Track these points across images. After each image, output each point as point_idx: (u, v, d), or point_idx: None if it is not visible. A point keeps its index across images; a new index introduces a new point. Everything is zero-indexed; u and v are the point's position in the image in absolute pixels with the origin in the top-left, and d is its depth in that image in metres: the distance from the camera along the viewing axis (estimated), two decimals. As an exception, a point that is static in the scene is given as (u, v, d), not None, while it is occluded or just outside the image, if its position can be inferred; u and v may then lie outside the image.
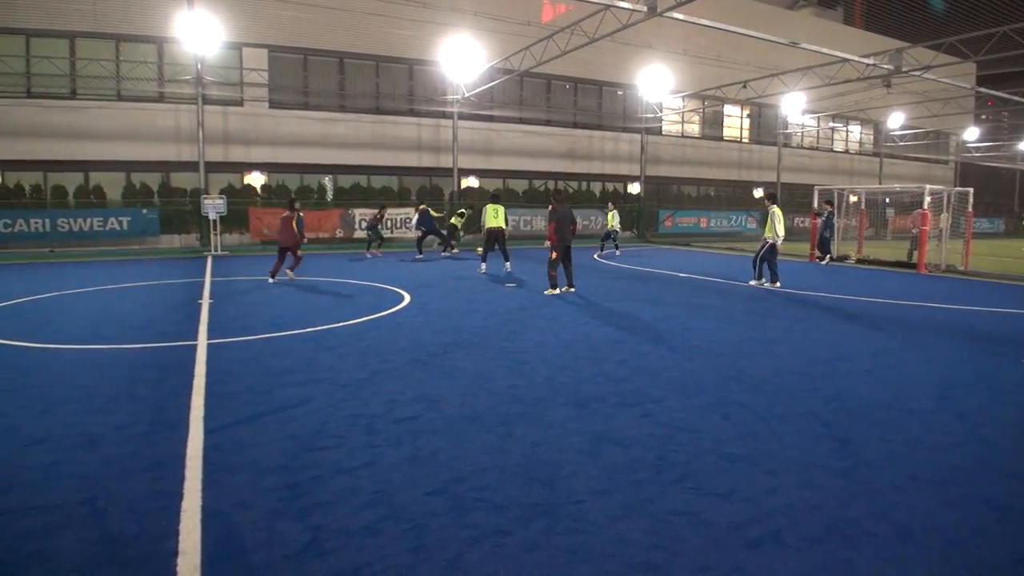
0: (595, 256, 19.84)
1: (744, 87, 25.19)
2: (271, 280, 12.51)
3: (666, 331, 8.24)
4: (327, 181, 25.14)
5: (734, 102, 31.73)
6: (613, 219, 21.09)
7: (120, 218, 20.65)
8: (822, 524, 3.31)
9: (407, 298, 10.68)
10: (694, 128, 33.05)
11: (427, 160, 26.34)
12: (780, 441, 4.45)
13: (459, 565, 2.88)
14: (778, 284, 12.81)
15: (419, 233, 19.33)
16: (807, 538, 3.17)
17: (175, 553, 2.93)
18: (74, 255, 18.83)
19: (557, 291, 11.31)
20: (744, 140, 34.63)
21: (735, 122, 34.36)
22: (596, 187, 30.48)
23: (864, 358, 6.93)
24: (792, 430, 4.67)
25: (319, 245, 21.28)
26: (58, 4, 20.77)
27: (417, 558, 2.92)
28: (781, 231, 12.79)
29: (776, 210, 12.94)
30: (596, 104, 29.98)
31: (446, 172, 26.05)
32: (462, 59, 22.40)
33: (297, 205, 13.20)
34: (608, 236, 21.09)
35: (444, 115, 25.71)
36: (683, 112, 31.55)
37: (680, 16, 16.68)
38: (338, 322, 8.53)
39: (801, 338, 7.95)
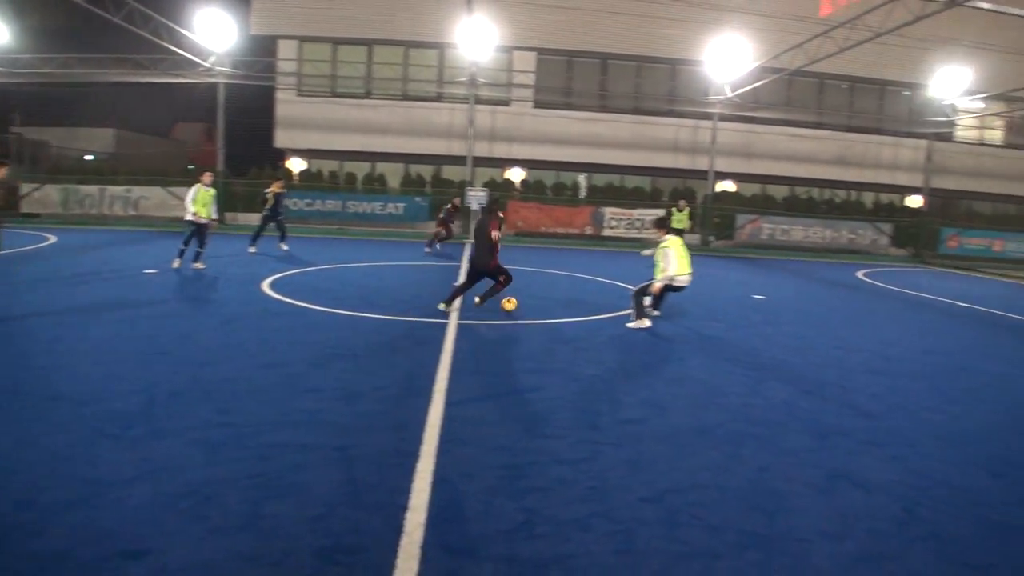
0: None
1: (1072, 87, 20.94)
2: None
3: (934, 367, 7.22)
4: (582, 179, 25.84)
5: (1056, 105, 26.54)
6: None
7: (397, 204, 23.25)
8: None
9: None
10: (996, 135, 28.36)
11: (683, 161, 25.85)
12: (1074, 516, 3.67)
13: (664, 576, 2.81)
14: None
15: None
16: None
17: (405, 507, 3.25)
18: (358, 233, 21.55)
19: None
20: (1066, 150, 28.92)
21: (1055, 128, 28.81)
22: (868, 197, 27.57)
23: None
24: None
25: (569, 240, 22.10)
26: (357, 15, 23.91)
27: (621, 561, 2.91)
28: None
29: None
30: (876, 106, 27.08)
31: (701, 175, 25.27)
32: (727, 58, 21.61)
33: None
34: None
35: (704, 116, 24.96)
36: (983, 116, 27.19)
37: (986, 6, 14.38)
38: (576, 317, 8.74)
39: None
